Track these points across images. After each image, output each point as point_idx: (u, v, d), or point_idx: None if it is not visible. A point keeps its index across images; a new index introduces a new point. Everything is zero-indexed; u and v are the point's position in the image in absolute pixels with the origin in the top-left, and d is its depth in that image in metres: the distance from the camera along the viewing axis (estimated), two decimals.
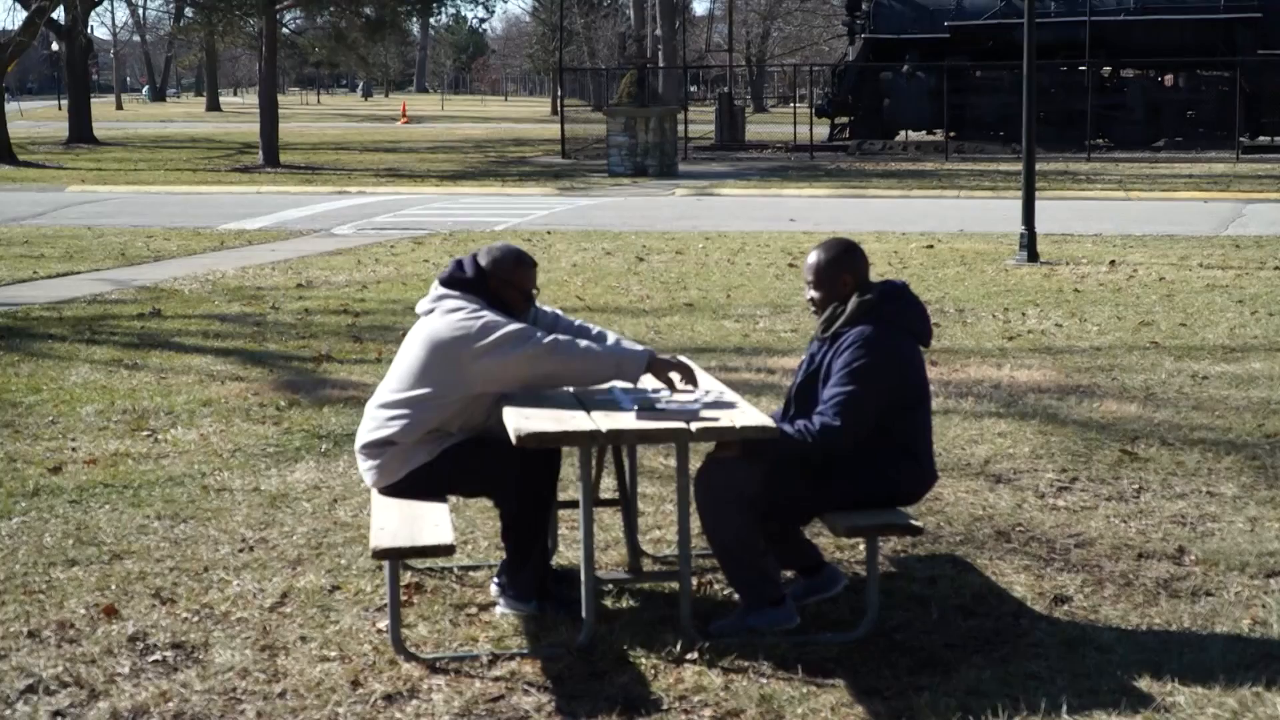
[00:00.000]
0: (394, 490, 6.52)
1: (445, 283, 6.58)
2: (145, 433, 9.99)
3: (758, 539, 6.35)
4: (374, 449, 6.53)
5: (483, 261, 6.58)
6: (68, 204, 30.91)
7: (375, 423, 6.54)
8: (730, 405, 6.32)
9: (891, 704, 5.57)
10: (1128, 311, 15.01)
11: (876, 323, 6.31)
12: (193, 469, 9.04)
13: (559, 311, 6.93)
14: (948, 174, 36.96)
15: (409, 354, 6.50)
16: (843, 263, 6.48)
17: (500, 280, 6.54)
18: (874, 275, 6.74)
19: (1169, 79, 44.27)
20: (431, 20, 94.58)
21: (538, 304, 6.85)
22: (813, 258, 6.52)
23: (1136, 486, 8.49)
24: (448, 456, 6.44)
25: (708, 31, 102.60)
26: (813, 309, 6.58)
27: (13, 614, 6.52)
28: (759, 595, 6.29)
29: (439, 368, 6.37)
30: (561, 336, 6.38)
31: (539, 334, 6.33)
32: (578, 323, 6.84)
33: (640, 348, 6.48)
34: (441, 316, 6.45)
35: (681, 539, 6.16)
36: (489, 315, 6.36)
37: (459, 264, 6.62)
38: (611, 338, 6.71)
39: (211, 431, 10.01)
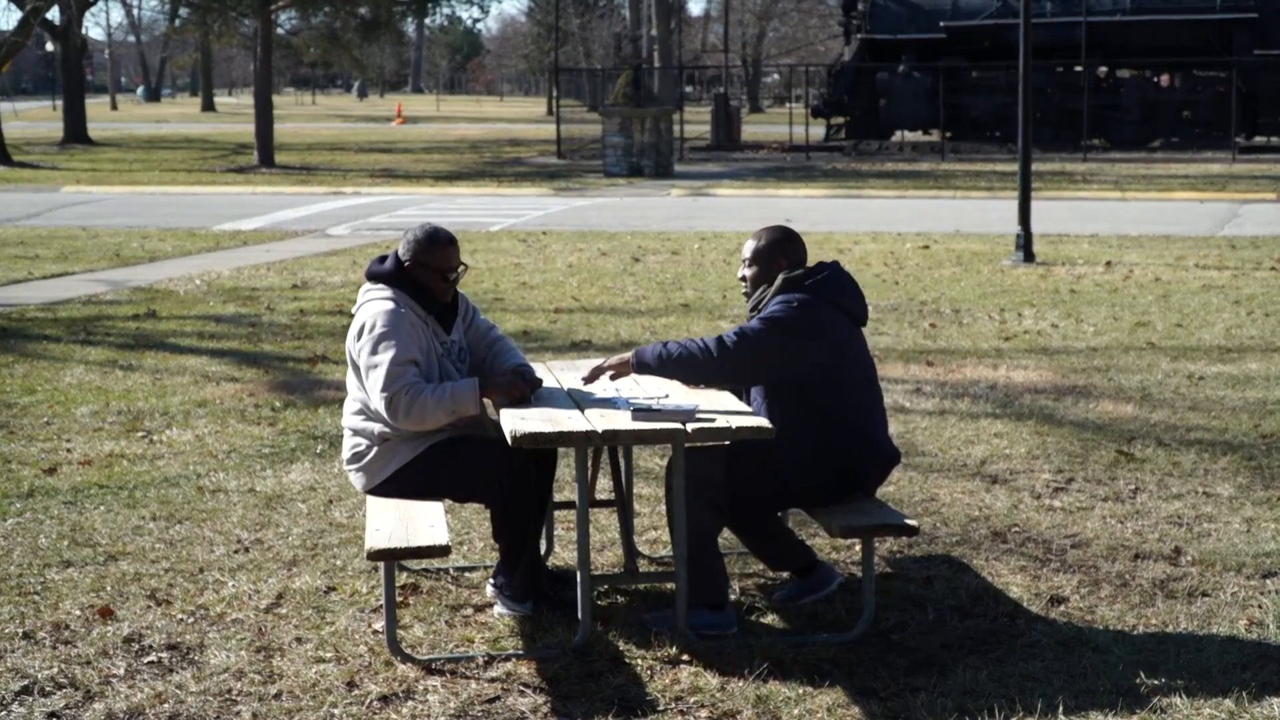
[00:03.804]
0: (382, 490, 6.52)
1: (367, 276, 6.62)
2: (140, 434, 9.98)
3: (715, 540, 6.40)
4: (354, 457, 6.59)
5: (400, 247, 6.58)
6: (62, 204, 30.89)
7: (348, 432, 6.64)
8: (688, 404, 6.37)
9: (888, 705, 5.56)
10: (1124, 312, 15.01)
11: (804, 291, 6.40)
12: (188, 470, 9.03)
13: (495, 327, 6.90)
14: (944, 174, 36.97)
15: (348, 358, 6.61)
16: (781, 247, 6.60)
17: (415, 262, 6.51)
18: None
19: (1165, 79, 44.31)
20: (426, 21, 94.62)
21: (480, 314, 6.85)
22: (752, 240, 6.67)
23: (1133, 487, 8.49)
24: (432, 454, 6.45)
25: (703, 32, 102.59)
26: (745, 288, 6.68)
27: (8, 615, 6.52)
28: (701, 596, 6.29)
29: (359, 373, 6.48)
30: (424, 386, 6.30)
31: (410, 380, 6.27)
32: (500, 344, 6.82)
33: (468, 379, 6.43)
34: (354, 324, 6.52)
35: (676, 539, 6.16)
36: (382, 331, 6.32)
37: (380, 258, 6.63)
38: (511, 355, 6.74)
39: (207, 432, 10.00)
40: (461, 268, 6.60)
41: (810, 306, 6.34)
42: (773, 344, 6.29)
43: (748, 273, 6.64)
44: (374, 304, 6.45)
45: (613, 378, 6.56)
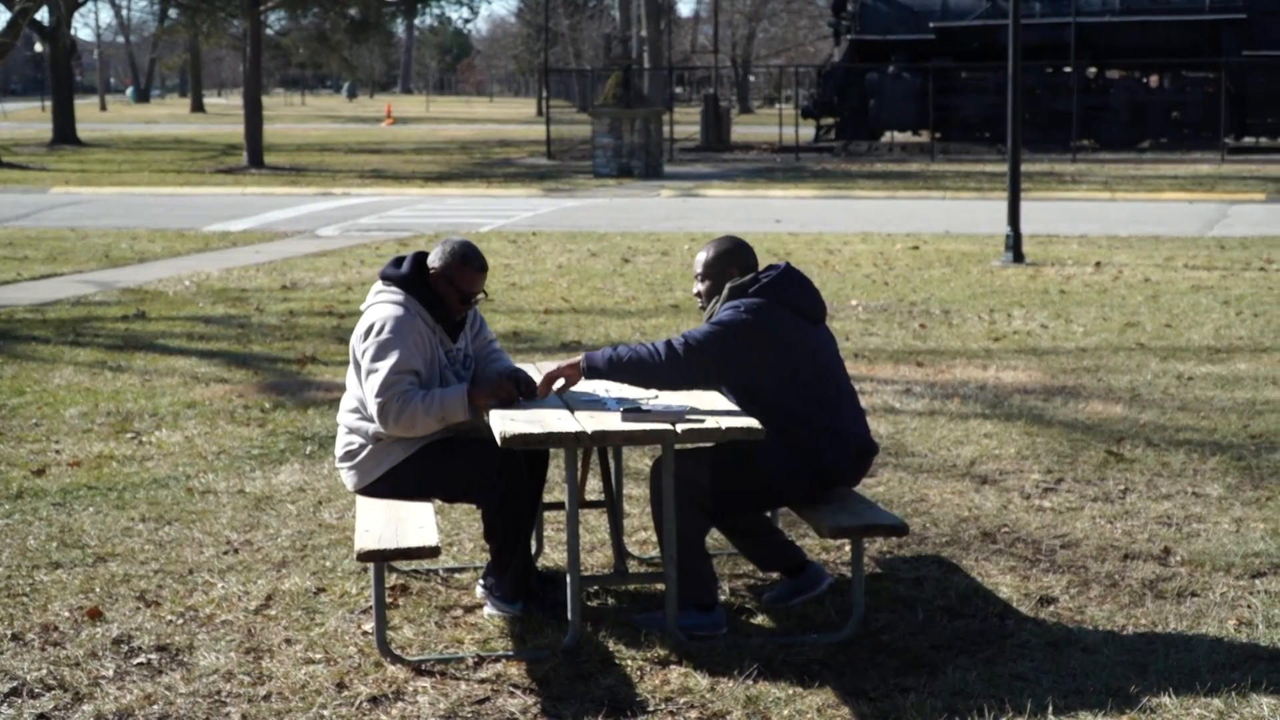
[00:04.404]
0: (373, 490, 6.52)
1: (381, 277, 6.61)
2: (129, 435, 9.97)
3: (702, 541, 6.40)
4: (346, 455, 6.59)
5: (432, 254, 6.57)
6: (51, 205, 30.84)
7: (342, 430, 6.64)
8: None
9: (877, 705, 5.57)
10: (1113, 312, 15.03)
11: (752, 296, 6.40)
12: (177, 471, 9.01)
13: (495, 339, 6.93)
14: (933, 175, 37.01)
15: (350, 356, 6.61)
16: (732, 257, 6.57)
17: (441, 275, 6.50)
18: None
19: (1154, 80, 44.38)
20: (416, 21, 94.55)
21: (489, 328, 6.87)
22: (702, 253, 6.63)
23: (1122, 487, 8.50)
24: (425, 454, 6.45)
25: (693, 33, 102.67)
26: (700, 303, 6.67)
27: None
28: (690, 597, 6.29)
29: (359, 371, 6.48)
30: (415, 393, 6.30)
31: (405, 388, 6.28)
32: (495, 354, 6.83)
33: (455, 386, 6.41)
34: (361, 322, 6.51)
35: (664, 540, 6.16)
36: (387, 337, 6.32)
37: (396, 260, 6.62)
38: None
39: (196, 434, 9.99)
40: (482, 295, 6.61)
41: (757, 309, 6.33)
42: (719, 348, 6.27)
43: (701, 287, 6.61)
44: (384, 306, 6.44)
45: (560, 389, 6.50)
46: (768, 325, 6.32)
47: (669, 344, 6.30)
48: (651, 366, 6.29)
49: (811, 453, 6.36)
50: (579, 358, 6.46)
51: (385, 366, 6.28)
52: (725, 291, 6.47)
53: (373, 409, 6.32)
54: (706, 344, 6.28)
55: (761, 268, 6.58)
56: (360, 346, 6.42)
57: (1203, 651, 6.01)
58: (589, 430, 5.95)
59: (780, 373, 6.34)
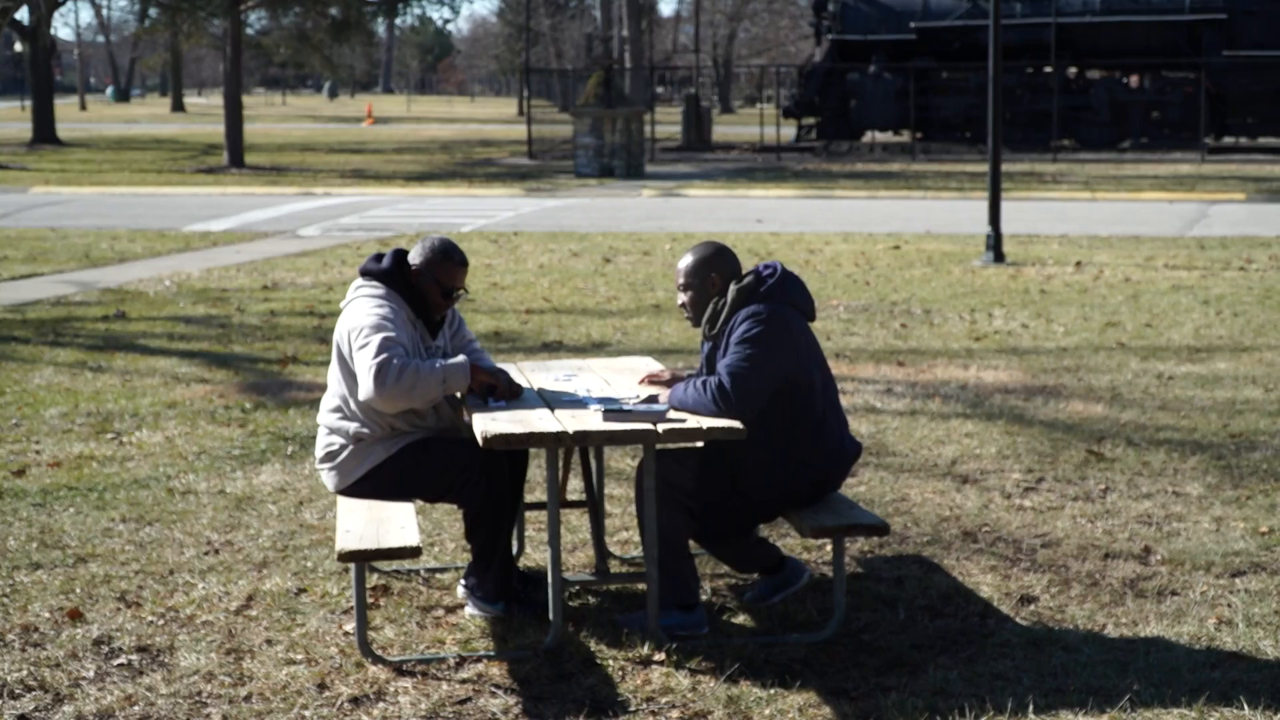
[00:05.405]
0: (354, 491, 6.51)
1: (361, 273, 6.61)
2: (110, 435, 9.95)
3: (686, 541, 6.39)
4: (327, 456, 6.58)
5: (413, 251, 6.58)
6: (31, 205, 30.74)
7: (323, 430, 6.62)
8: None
9: (859, 704, 5.57)
10: (1094, 312, 15.06)
11: (763, 300, 6.35)
12: (158, 471, 9.00)
13: (475, 339, 6.95)
14: (914, 175, 37.05)
15: (332, 354, 6.59)
16: (712, 263, 6.51)
17: (422, 271, 6.51)
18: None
19: (1134, 80, 44.49)
20: (397, 21, 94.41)
21: (468, 327, 6.88)
22: (682, 261, 6.57)
23: (1103, 487, 8.52)
24: (406, 455, 6.45)
25: (674, 32, 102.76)
26: (686, 315, 6.58)
27: None
28: (671, 596, 6.29)
29: (343, 366, 6.45)
30: (412, 360, 6.28)
31: (399, 353, 6.24)
32: (477, 353, 6.86)
33: (460, 358, 6.44)
34: (343, 317, 6.51)
35: (647, 540, 6.16)
36: (377, 319, 6.31)
37: (376, 256, 6.62)
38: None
39: (176, 434, 9.97)
40: (463, 291, 6.60)
41: (777, 314, 6.30)
42: (763, 366, 6.22)
43: (685, 298, 6.53)
44: (368, 299, 6.44)
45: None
46: (789, 328, 6.29)
47: (720, 389, 6.13)
48: (713, 413, 6.17)
49: (814, 464, 6.33)
50: (668, 393, 6.38)
51: (378, 337, 6.24)
52: (732, 294, 6.38)
53: (369, 376, 6.18)
54: (751, 369, 6.16)
55: (748, 269, 6.55)
56: (347, 335, 6.38)
57: (1183, 650, 6.03)
58: (570, 430, 5.96)
59: (798, 377, 6.30)
